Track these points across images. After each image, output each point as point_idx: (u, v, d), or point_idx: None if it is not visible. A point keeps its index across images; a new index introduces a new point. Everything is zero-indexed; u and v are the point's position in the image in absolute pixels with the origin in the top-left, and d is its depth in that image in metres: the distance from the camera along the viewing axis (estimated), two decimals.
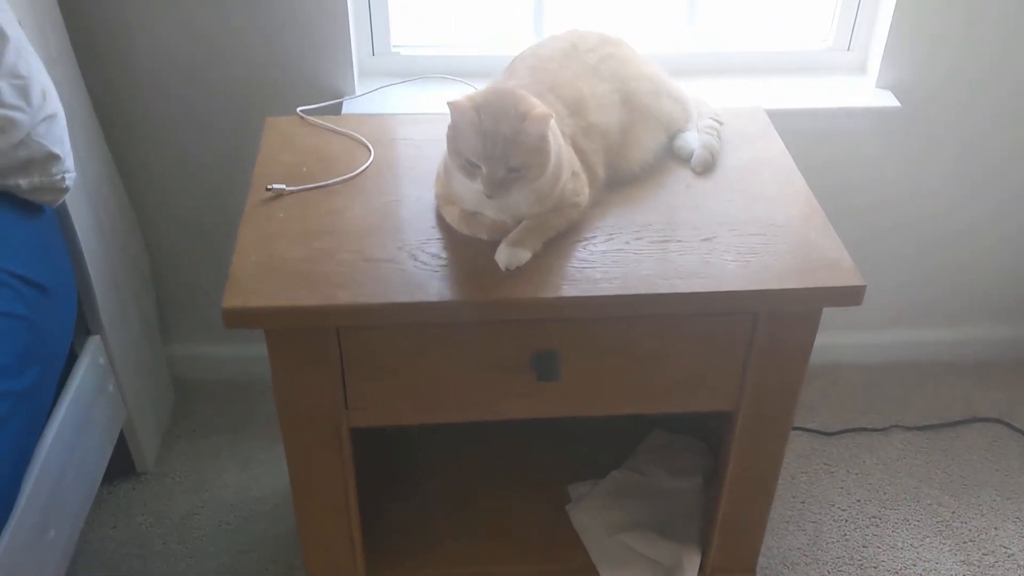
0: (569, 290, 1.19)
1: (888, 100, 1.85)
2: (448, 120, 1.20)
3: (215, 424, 2.08)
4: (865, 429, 2.12)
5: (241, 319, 1.15)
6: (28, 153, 1.34)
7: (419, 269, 1.21)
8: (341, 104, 1.74)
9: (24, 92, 1.32)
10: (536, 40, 1.82)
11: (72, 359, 1.64)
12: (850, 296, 1.21)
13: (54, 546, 1.48)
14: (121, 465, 1.92)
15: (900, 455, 2.07)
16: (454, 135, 1.19)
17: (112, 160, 1.80)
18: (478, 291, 1.19)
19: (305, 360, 1.22)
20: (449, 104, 1.18)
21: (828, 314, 1.25)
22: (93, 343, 1.70)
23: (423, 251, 1.25)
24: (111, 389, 1.76)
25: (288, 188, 1.34)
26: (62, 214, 1.56)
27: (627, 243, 1.27)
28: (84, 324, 1.70)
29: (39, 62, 1.39)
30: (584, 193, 1.30)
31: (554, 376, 1.26)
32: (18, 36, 1.35)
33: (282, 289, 1.17)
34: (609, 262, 1.24)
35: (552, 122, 1.19)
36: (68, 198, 1.55)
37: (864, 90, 1.88)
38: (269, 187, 1.33)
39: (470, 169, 1.18)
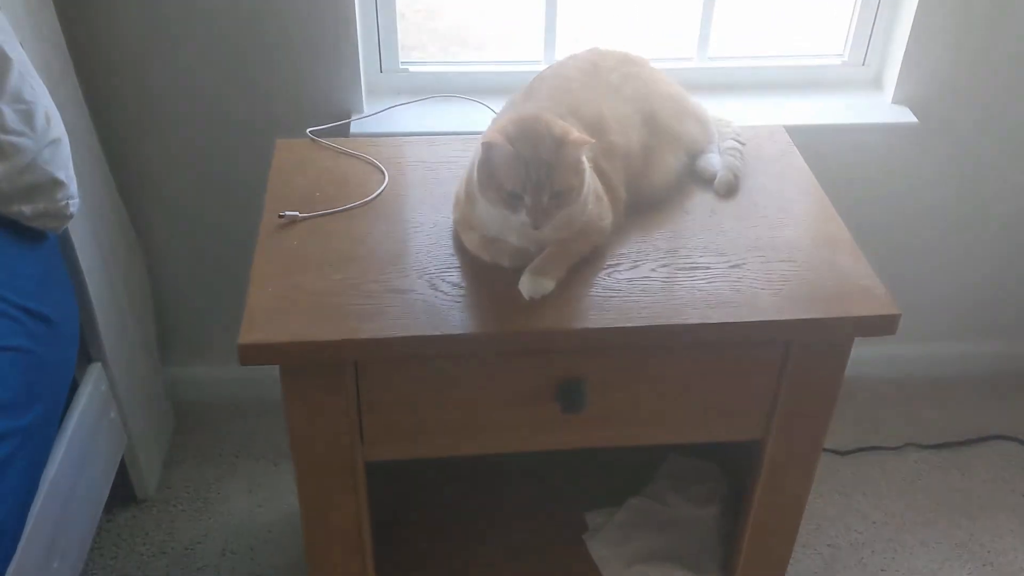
0: (598, 321, 1.15)
1: (905, 116, 1.82)
2: (477, 156, 1.17)
3: (217, 447, 2.03)
4: (879, 448, 2.10)
5: (259, 355, 1.10)
6: (33, 179, 1.29)
7: (441, 299, 1.17)
8: (349, 124, 1.70)
9: (28, 117, 1.28)
10: (550, 58, 1.83)
11: (74, 386, 1.60)
12: (885, 325, 1.18)
13: None
14: (122, 492, 1.87)
15: (915, 475, 2.04)
16: (488, 171, 1.15)
17: (114, 183, 1.75)
18: (502, 322, 1.15)
19: (321, 395, 1.18)
20: (484, 144, 1.14)
21: None
22: (95, 370, 1.65)
23: (444, 280, 1.20)
24: (112, 416, 1.71)
25: (301, 215, 1.29)
26: (64, 240, 1.51)
27: (653, 270, 1.24)
28: (86, 351, 1.65)
29: (42, 85, 1.34)
30: (608, 217, 1.26)
31: (580, 407, 1.22)
32: (21, 59, 1.30)
33: (301, 322, 1.12)
34: (637, 291, 1.20)
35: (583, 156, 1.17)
36: (70, 223, 1.51)
37: (880, 106, 1.86)
38: (282, 214, 1.28)
39: (512, 202, 1.14)
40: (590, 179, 1.22)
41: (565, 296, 1.18)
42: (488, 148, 1.14)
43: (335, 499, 1.28)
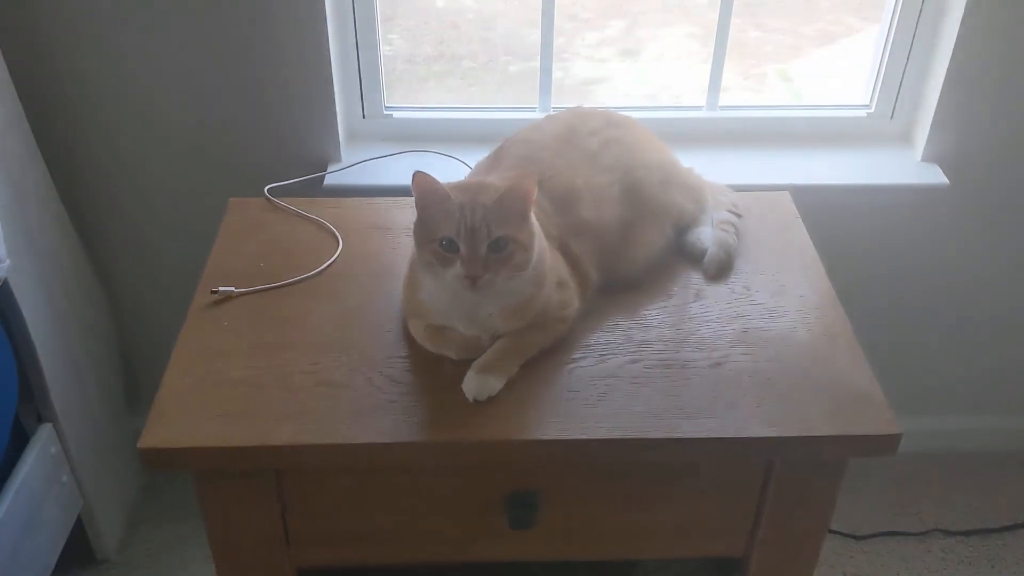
0: (549, 431, 1.01)
1: (935, 176, 1.65)
2: (415, 206, 1.03)
3: (182, 510, 1.92)
4: (900, 533, 1.91)
5: (163, 461, 0.98)
6: None
7: (376, 397, 1.04)
8: (323, 177, 1.58)
9: None
10: (545, 106, 1.70)
11: (23, 447, 1.50)
12: (883, 446, 1.02)
13: None
14: (80, 552, 1.77)
15: (941, 565, 1.85)
16: (422, 216, 1.02)
17: (74, 232, 1.65)
18: (440, 429, 1.01)
19: (239, 502, 1.05)
20: (414, 176, 1.00)
21: None
22: (44, 432, 1.56)
23: (383, 373, 1.07)
24: (65, 480, 1.61)
25: (236, 291, 1.17)
26: (6, 301, 1.41)
27: (621, 367, 1.09)
28: (36, 411, 1.56)
29: None
30: (572, 305, 1.12)
31: (530, 523, 1.08)
32: None
33: (213, 422, 1.00)
34: (599, 393, 1.05)
35: (532, 215, 1.03)
36: (14, 280, 1.42)
37: (908, 164, 1.68)
38: (215, 290, 1.16)
39: (444, 255, 1.00)
40: (550, 261, 1.08)
41: (516, 397, 1.04)
42: (419, 184, 1.00)
43: None
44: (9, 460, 1.48)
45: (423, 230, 1.02)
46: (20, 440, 1.52)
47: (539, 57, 1.65)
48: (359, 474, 1.06)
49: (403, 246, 1.27)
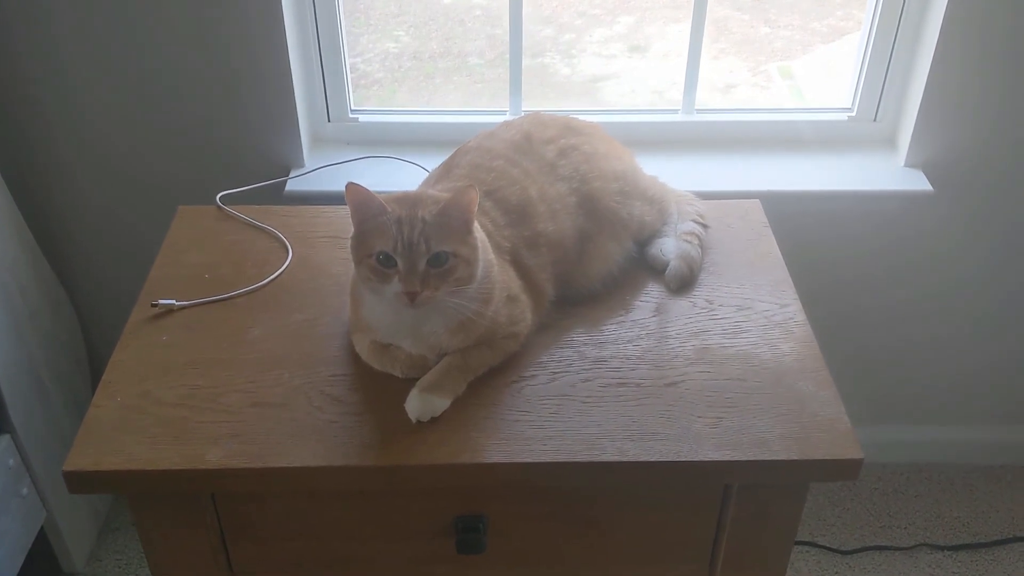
0: (494, 454, 0.96)
1: (918, 183, 1.60)
2: (351, 219, 0.98)
3: None
4: (887, 547, 1.86)
5: (87, 484, 0.94)
6: None
7: (314, 418, 1.00)
8: (285, 183, 1.54)
9: None
10: (516, 108, 1.65)
11: None
12: (844, 471, 0.97)
13: None
14: (46, 564, 1.74)
15: None
16: (359, 230, 0.98)
17: (33, 241, 1.62)
18: (378, 453, 0.96)
19: (176, 526, 1.01)
20: (347, 187, 0.95)
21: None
22: (2, 443, 1.52)
23: (324, 392, 1.03)
24: (25, 492, 1.58)
25: (178, 304, 1.13)
26: None
27: (573, 386, 1.04)
28: None
29: None
30: (524, 321, 1.07)
31: (478, 548, 1.03)
32: None
33: (143, 445, 0.96)
34: (548, 413, 1.01)
35: (476, 228, 0.98)
36: None
37: (891, 170, 1.63)
38: (155, 303, 1.12)
39: (381, 271, 0.96)
40: (498, 275, 1.03)
41: (461, 418, 1.00)
42: (352, 193, 0.95)
43: None
44: None
45: (359, 244, 0.97)
46: None
47: (512, 58, 1.61)
48: (299, 498, 1.02)
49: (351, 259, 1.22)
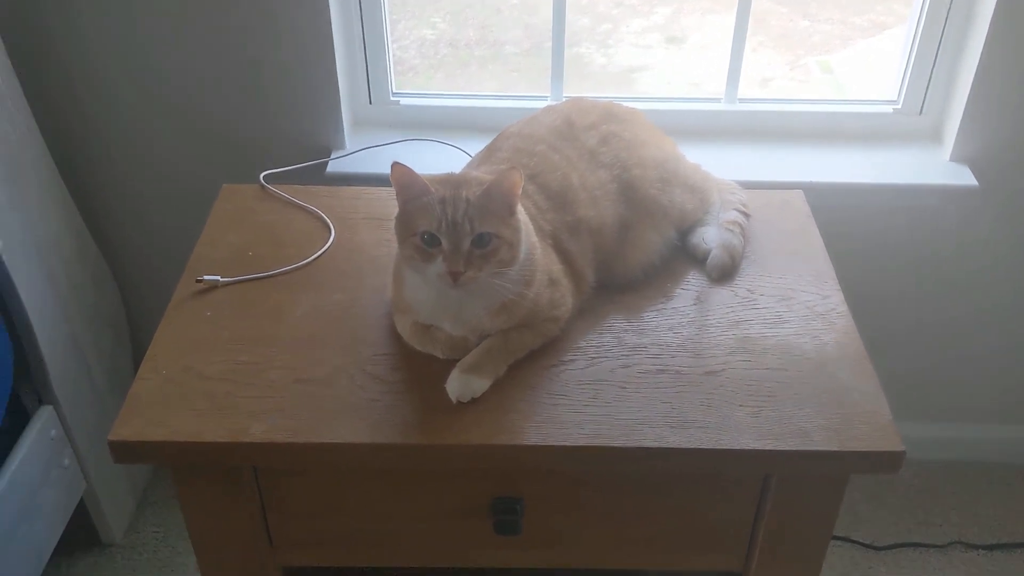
0: (532, 437, 0.97)
1: (963, 177, 1.57)
2: (396, 199, 0.99)
3: None
4: (921, 544, 1.84)
5: (132, 454, 0.96)
6: None
7: (357, 395, 1.01)
8: (326, 164, 1.55)
9: None
10: (557, 94, 1.65)
11: (22, 430, 1.50)
12: (885, 463, 0.96)
13: None
14: (85, 535, 1.78)
15: None
16: (403, 210, 0.98)
17: (78, 215, 1.64)
18: (419, 432, 0.97)
19: (218, 496, 1.03)
20: (392, 167, 0.96)
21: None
22: (44, 414, 1.55)
23: (367, 371, 1.04)
24: (67, 463, 1.61)
25: (223, 280, 1.15)
26: (4, 286, 1.40)
27: (612, 371, 1.04)
28: (37, 393, 1.55)
29: None
30: (565, 305, 1.07)
31: (515, 530, 1.04)
32: None
33: (188, 418, 0.97)
34: (587, 397, 1.01)
35: (520, 210, 0.99)
36: (11, 262, 1.41)
37: (936, 164, 1.60)
38: (200, 279, 1.14)
39: (425, 250, 0.96)
40: (541, 258, 1.03)
41: (500, 399, 1.00)
42: (398, 172, 0.96)
43: None
44: (7, 444, 1.47)
45: (404, 223, 0.98)
46: (21, 422, 1.52)
47: (555, 42, 1.60)
48: (340, 474, 1.03)
49: (395, 239, 1.23)
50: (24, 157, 1.47)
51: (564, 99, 1.63)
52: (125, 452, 0.96)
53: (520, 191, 0.97)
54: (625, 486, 1.04)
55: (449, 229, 0.94)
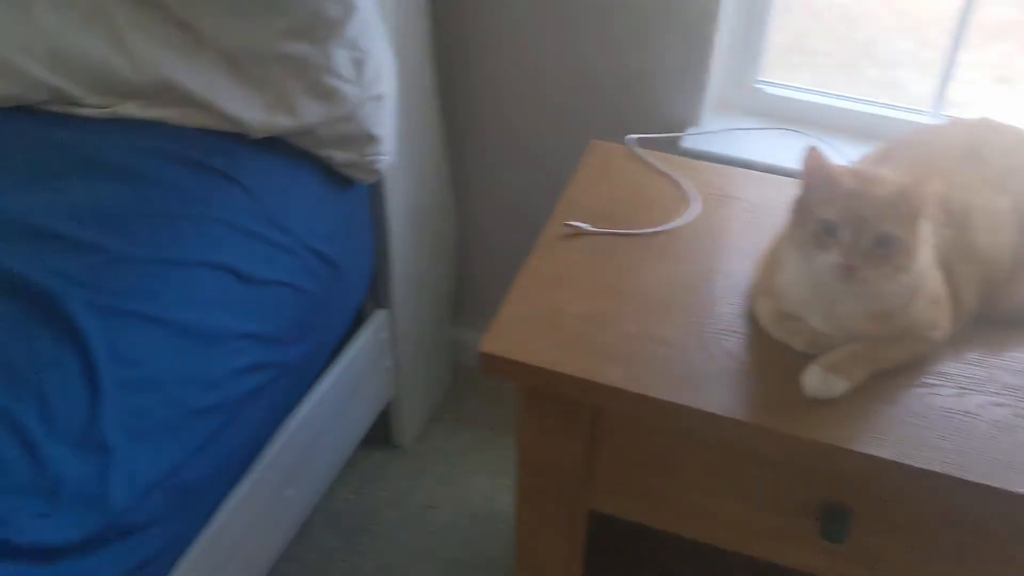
0: (882, 450, 0.93)
1: None
2: (800, 182, 0.99)
3: (481, 419, 2.03)
4: None
5: (497, 367, 1.03)
6: (348, 130, 1.33)
7: (707, 364, 1.02)
8: (680, 137, 1.56)
9: (359, 65, 1.29)
10: (938, 110, 1.54)
11: (357, 326, 1.65)
12: None
13: (291, 504, 1.51)
14: (379, 434, 1.94)
15: None
16: (807, 195, 0.98)
17: (446, 143, 1.78)
18: (769, 416, 0.97)
19: (555, 424, 1.09)
20: (808, 151, 0.96)
21: None
22: (379, 316, 1.70)
23: (719, 344, 1.05)
24: (387, 364, 1.76)
25: (588, 228, 1.20)
26: (376, 191, 1.55)
27: (982, 407, 0.98)
28: (376, 297, 1.71)
29: (384, 41, 1.36)
30: (942, 328, 1.02)
31: (838, 537, 1.01)
32: (367, 8, 1.32)
33: (547, 346, 1.03)
34: (951, 427, 0.95)
35: (925, 220, 0.95)
36: (388, 177, 1.55)
37: None
38: (568, 224, 1.20)
39: (822, 238, 0.95)
40: (929, 274, 0.98)
41: (855, 405, 0.97)
42: (811, 158, 0.95)
43: (551, 531, 1.19)
44: (343, 340, 1.63)
45: (804, 208, 0.97)
46: (356, 321, 1.67)
47: (950, 53, 1.50)
48: (674, 436, 1.05)
49: (757, 223, 1.22)
50: (416, 90, 1.60)
51: (943, 116, 1.53)
52: (492, 365, 1.03)
53: (931, 202, 0.93)
54: (973, 527, 0.98)
55: (853, 222, 0.92)
